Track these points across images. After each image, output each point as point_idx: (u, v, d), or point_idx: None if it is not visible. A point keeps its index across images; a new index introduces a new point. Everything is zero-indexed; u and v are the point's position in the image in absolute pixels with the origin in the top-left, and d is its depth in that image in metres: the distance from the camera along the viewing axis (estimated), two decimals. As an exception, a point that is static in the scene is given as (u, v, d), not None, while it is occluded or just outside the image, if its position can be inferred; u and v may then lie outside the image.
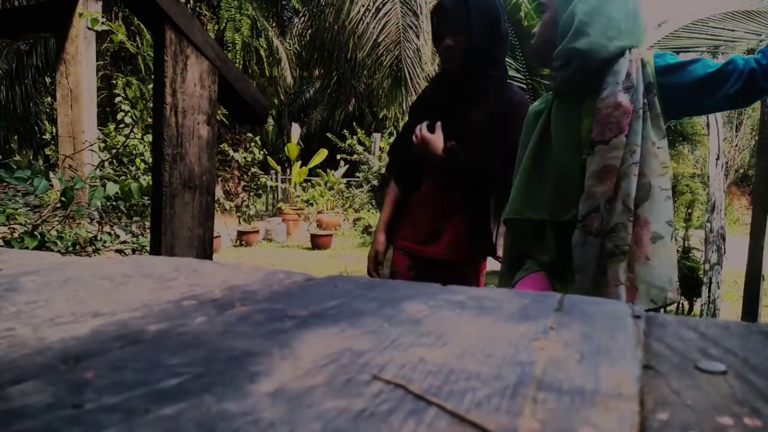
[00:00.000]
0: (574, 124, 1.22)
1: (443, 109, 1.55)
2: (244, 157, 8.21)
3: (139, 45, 6.97)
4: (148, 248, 2.16)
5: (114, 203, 2.51)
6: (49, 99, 8.05)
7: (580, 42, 1.18)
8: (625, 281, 1.12)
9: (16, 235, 1.95)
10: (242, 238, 7.34)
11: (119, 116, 5.51)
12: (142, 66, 7.38)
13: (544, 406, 0.25)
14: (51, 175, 2.17)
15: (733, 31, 4.09)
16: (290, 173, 9.86)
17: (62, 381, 0.27)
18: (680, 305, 3.97)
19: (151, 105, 1.56)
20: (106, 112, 6.84)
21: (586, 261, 1.14)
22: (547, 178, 1.25)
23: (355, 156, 9.31)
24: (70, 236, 2.06)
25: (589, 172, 1.13)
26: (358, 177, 9.51)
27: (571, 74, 1.20)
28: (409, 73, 7.71)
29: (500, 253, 1.56)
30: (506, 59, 1.71)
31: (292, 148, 9.80)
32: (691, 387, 0.28)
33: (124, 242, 2.29)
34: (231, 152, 8.10)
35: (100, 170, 2.49)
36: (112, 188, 1.94)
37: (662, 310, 1.23)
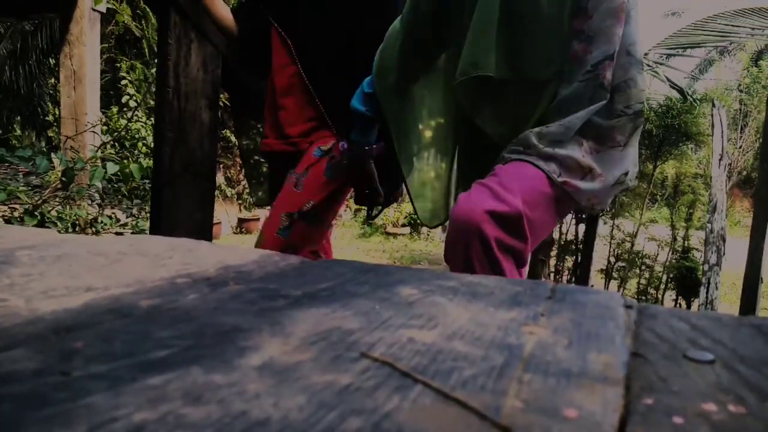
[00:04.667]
0: None
1: None
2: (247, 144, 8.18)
3: (144, 28, 6.93)
4: (147, 232, 2.16)
5: (115, 185, 2.51)
6: (52, 80, 8.01)
7: None
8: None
9: (16, 214, 1.95)
10: (243, 226, 7.34)
11: (123, 99, 5.49)
12: (146, 49, 7.33)
13: (530, 386, 0.25)
14: (53, 155, 2.17)
15: (742, 27, 4.04)
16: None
17: (52, 349, 0.27)
18: (678, 305, 3.97)
19: (155, 89, 1.55)
20: (110, 95, 6.81)
21: (585, 123, 0.93)
22: (523, 27, 0.97)
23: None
24: (70, 217, 2.07)
25: (603, 9, 0.93)
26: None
27: None
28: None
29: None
30: None
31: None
32: (679, 375, 0.28)
33: (124, 224, 2.29)
34: (233, 138, 8.07)
35: (102, 152, 2.49)
36: (113, 168, 1.94)
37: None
